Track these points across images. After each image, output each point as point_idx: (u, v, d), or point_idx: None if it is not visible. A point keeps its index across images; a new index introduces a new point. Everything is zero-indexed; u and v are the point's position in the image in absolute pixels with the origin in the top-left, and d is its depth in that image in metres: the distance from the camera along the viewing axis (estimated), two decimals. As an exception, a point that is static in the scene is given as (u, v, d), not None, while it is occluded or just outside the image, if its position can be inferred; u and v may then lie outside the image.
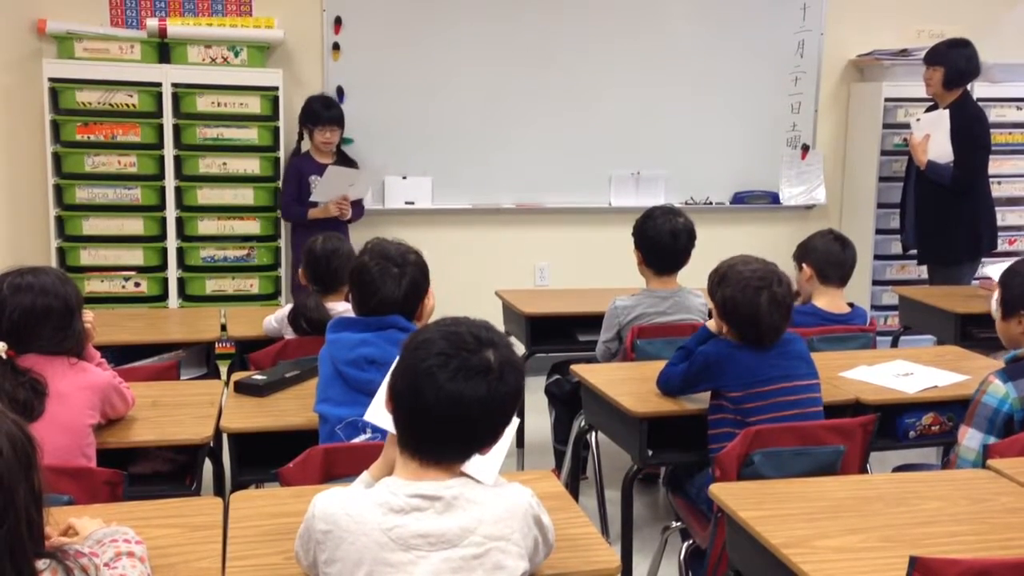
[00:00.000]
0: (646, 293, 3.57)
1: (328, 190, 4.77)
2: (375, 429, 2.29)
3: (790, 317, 2.74)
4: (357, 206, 4.99)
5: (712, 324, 2.89)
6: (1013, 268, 2.75)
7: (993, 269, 4.56)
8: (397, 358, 1.66)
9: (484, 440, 1.65)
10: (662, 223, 3.51)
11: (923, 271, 5.38)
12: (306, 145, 5.01)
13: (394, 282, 2.51)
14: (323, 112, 4.88)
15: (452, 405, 1.58)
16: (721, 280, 2.75)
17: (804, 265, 3.59)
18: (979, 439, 2.50)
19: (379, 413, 1.75)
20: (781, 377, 2.68)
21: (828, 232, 3.66)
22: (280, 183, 5.01)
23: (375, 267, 2.52)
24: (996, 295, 2.75)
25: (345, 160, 5.02)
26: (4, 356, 2.26)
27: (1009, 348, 2.69)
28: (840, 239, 3.61)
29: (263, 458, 2.58)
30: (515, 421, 1.74)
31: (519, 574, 1.61)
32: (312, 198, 4.79)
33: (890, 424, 2.99)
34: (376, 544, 1.56)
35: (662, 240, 3.50)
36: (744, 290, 2.67)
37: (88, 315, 2.52)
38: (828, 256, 3.56)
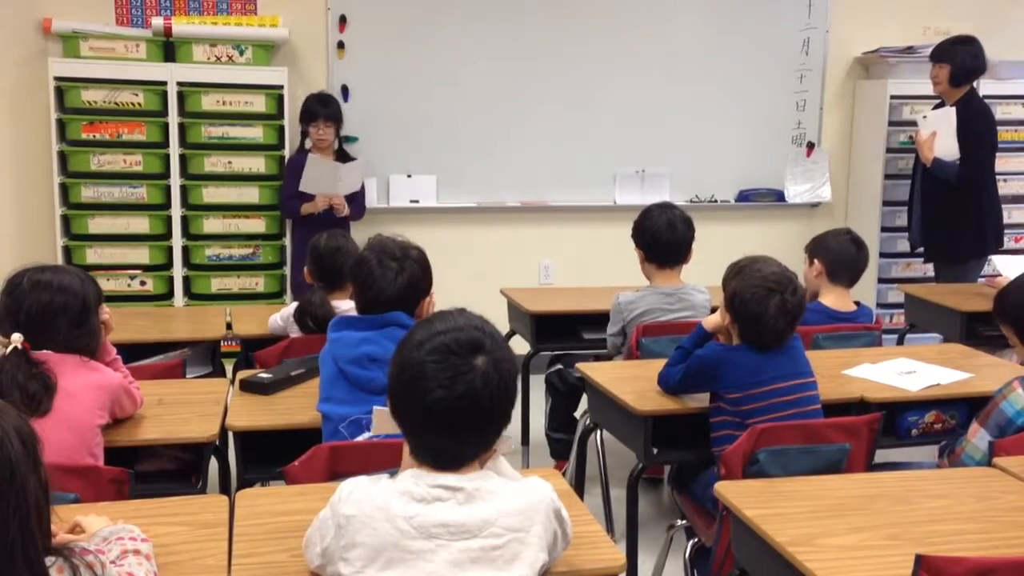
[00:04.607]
0: (650, 290, 3.57)
1: (312, 180, 4.75)
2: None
3: (796, 325, 2.72)
4: (356, 203, 4.97)
5: (709, 321, 2.89)
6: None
7: (1000, 261, 4.54)
8: (390, 374, 1.68)
9: (498, 430, 1.69)
10: (658, 215, 3.56)
11: (929, 269, 5.36)
12: (308, 143, 5.00)
13: (392, 276, 2.52)
14: (317, 109, 4.88)
15: (455, 424, 1.62)
16: (737, 272, 2.74)
17: (815, 261, 3.58)
18: (988, 441, 2.49)
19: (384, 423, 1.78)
20: (777, 377, 2.67)
21: (846, 233, 3.64)
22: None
23: (374, 261, 2.54)
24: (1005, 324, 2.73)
25: (344, 158, 5.00)
26: (20, 347, 2.27)
27: None
28: (856, 242, 3.59)
29: (268, 456, 2.58)
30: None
31: (539, 566, 1.63)
32: (300, 187, 4.77)
33: (892, 422, 2.98)
34: (398, 531, 1.58)
35: (660, 232, 3.53)
36: (756, 289, 2.66)
37: (105, 310, 2.53)
38: (841, 258, 3.55)
